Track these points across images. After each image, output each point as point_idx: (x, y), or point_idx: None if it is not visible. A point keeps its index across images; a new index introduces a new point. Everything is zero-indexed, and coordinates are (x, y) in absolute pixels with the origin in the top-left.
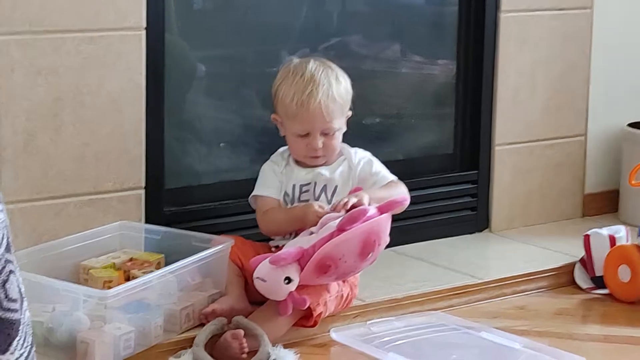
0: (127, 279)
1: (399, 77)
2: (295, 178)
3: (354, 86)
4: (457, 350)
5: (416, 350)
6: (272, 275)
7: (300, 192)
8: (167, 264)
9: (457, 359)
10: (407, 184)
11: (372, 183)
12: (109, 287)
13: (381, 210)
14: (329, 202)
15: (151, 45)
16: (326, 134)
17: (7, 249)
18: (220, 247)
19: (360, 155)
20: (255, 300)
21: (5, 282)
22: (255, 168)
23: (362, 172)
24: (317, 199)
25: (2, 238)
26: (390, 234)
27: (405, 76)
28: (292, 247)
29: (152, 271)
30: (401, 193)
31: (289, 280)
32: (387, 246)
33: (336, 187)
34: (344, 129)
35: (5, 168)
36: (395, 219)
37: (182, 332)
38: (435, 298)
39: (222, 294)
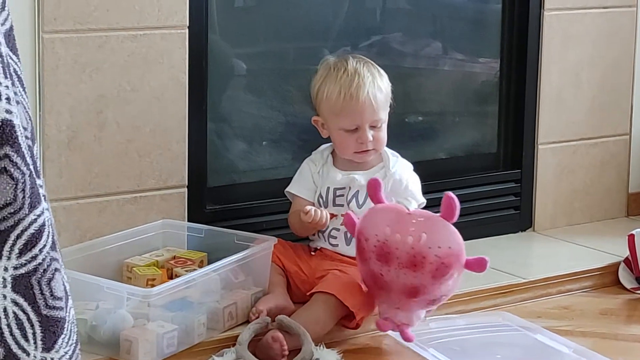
0: (170, 277)
1: (442, 75)
2: (331, 181)
3: (396, 84)
4: (502, 350)
5: (460, 348)
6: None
7: (335, 196)
8: (209, 262)
9: (502, 359)
10: (450, 183)
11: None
12: (152, 285)
13: None
14: (359, 207)
15: (194, 43)
16: (374, 126)
17: (53, 247)
18: (263, 245)
19: (400, 166)
20: (298, 299)
21: (50, 280)
22: (297, 166)
23: (395, 184)
24: (348, 204)
25: (48, 236)
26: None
27: (448, 74)
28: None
29: (195, 269)
30: None
31: None
32: None
33: (367, 194)
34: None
35: (49, 165)
36: None
37: (225, 331)
38: (479, 297)
39: (265, 292)
